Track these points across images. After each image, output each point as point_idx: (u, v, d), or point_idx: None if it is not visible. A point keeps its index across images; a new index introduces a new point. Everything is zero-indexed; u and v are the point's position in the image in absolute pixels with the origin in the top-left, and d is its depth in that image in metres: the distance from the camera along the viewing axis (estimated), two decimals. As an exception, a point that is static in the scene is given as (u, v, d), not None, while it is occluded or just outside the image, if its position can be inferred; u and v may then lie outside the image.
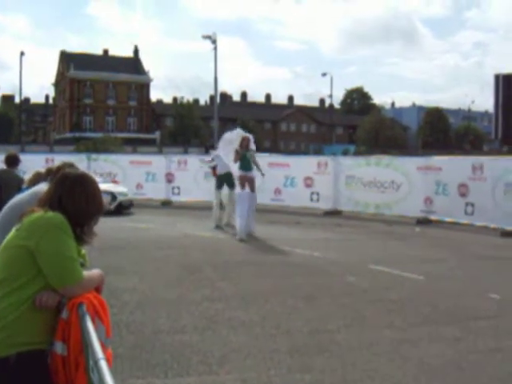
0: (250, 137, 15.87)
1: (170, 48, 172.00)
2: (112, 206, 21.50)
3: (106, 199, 21.25)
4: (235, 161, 15.35)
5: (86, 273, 2.99)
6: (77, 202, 3.06)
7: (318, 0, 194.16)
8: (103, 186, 22.02)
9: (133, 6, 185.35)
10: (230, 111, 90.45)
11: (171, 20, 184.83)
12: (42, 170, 5.73)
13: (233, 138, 16.03)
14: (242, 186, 15.29)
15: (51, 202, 3.05)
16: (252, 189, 15.43)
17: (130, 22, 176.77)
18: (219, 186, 17.72)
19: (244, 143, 15.42)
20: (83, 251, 3.24)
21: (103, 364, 2.18)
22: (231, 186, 17.04)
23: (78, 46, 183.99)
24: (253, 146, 15.89)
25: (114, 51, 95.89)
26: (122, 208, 22.22)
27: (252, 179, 15.50)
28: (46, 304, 2.86)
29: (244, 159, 15.28)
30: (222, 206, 17.94)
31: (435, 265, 11.79)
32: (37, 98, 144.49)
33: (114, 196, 21.88)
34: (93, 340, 2.47)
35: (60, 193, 3.08)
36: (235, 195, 16.44)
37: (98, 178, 20.42)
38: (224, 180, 17.34)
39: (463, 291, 9.36)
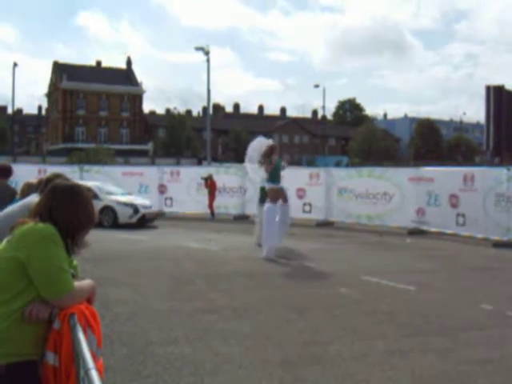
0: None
1: (159, 59, 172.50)
2: (134, 219, 21.30)
3: (127, 212, 20.93)
4: (268, 171, 14.08)
5: (77, 283, 2.99)
6: (67, 213, 3.07)
7: (307, 12, 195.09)
8: (125, 199, 21.75)
9: (120, 16, 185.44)
10: (222, 123, 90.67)
11: (159, 30, 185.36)
12: (34, 180, 5.72)
13: (257, 147, 14.70)
14: (272, 200, 13.99)
15: (42, 213, 3.06)
16: (284, 199, 14.27)
17: (118, 32, 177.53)
18: (263, 201, 15.79)
19: (275, 152, 14.32)
20: (75, 262, 3.25)
21: (94, 374, 2.19)
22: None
23: (67, 56, 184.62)
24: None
25: (104, 61, 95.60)
26: (145, 221, 21.78)
27: (282, 190, 14.32)
28: (36, 318, 2.87)
29: (275, 170, 14.12)
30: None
31: (427, 275, 11.82)
32: (27, 108, 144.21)
33: (136, 209, 21.53)
34: (84, 350, 2.48)
35: (50, 204, 3.08)
36: (267, 210, 14.95)
37: (118, 190, 20.07)
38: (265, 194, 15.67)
39: (455, 302, 9.38)
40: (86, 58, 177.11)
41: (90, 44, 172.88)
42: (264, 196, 15.44)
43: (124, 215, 21.33)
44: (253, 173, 15.14)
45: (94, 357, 2.62)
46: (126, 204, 21.57)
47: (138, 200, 22.46)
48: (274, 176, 14.01)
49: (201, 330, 7.24)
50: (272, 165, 13.90)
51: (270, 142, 14.73)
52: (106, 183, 23.84)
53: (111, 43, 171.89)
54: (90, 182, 22.54)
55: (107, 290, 9.04)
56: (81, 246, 3.17)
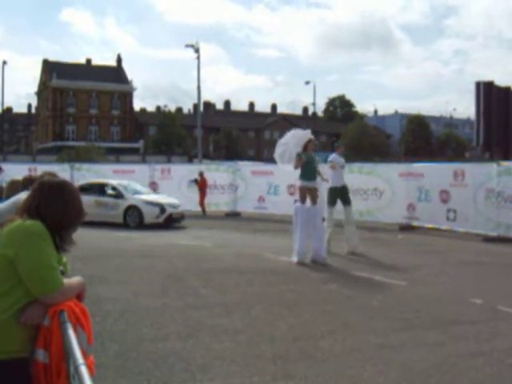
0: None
1: (146, 55, 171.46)
2: (161, 219, 20.67)
3: (153, 211, 20.48)
4: (296, 167, 12.91)
5: (66, 280, 2.98)
6: (55, 209, 3.06)
7: (293, 7, 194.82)
8: (152, 198, 21.38)
9: (104, 13, 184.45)
10: (213, 120, 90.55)
11: (144, 27, 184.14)
12: (19, 178, 5.70)
13: (297, 136, 13.35)
14: (303, 199, 12.99)
15: (29, 210, 3.05)
16: (314, 201, 12.98)
17: (103, 29, 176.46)
18: (332, 202, 14.64)
19: (310, 147, 13.08)
20: (64, 259, 3.24)
21: (83, 369, 2.19)
22: (347, 201, 14.70)
23: (53, 53, 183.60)
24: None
25: (90, 57, 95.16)
26: (172, 221, 21.14)
27: (315, 190, 13.10)
28: (32, 320, 2.86)
29: (308, 166, 12.89)
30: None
31: (418, 270, 11.86)
32: (15, 106, 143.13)
33: (162, 208, 20.85)
34: (74, 347, 2.48)
35: (38, 201, 3.07)
36: (348, 213, 14.57)
37: (144, 188, 19.57)
38: (338, 195, 14.61)
39: (446, 296, 9.42)
40: (71, 54, 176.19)
41: (76, 41, 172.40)
42: (334, 197, 14.52)
43: (150, 215, 20.64)
44: (280, 160, 13.61)
45: (84, 354, 2.62)
46: (152, 203, 20.94)
47: (165, 199, 21.81)
48: (304, 173, 12.91)
49: (192, 327, 7.24)
50: (301, 160, 12.73)
51: (309, 135, 13.29)
52: (131, 182, 23.36)
53: (97, 40, 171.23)
54: (114, 181, 22.34)
55: (98, 287, 9.03)
56: (69, 243, 3.16)
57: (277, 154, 13.53)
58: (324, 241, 13.02)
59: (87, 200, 20.95)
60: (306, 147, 12.95)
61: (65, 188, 3.17)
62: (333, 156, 14.69)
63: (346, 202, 14.65)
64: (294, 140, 13.24)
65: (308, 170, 12.88)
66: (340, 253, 13.84)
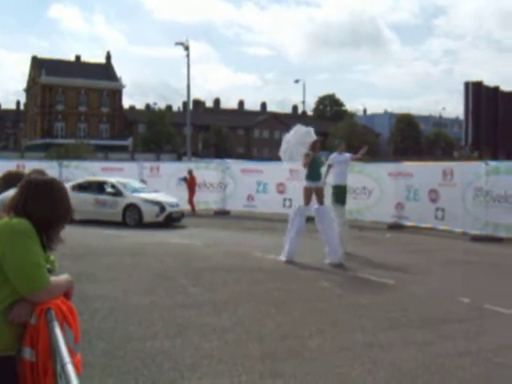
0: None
1: (135, 53, 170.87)
2: (161, 218, 20.38)
3: (153, 210, 20.18)
4: (305, 165, 12.75)
5: (53, 278, 2.96)
6: (41, 207, 3.03)
7: (283, 5, 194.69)
8: (151, 196, 21.04)
9: (93, 9, 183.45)
10: (203, 118, 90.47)
11: (133, 24, 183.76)
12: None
13: (300, 133, 13.12)
14: (308, 200, 12.79)
15: (16, 208, 3.02)
16: (321, 201, 12.85)
17: (92, 25, 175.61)
18: (342, 201, 14.45)
19: (317, 147, 13.01)
20: (52, 257, 3.22)
21: (70, 368, 2.17)
22: (342, 201, 14.48)
23: (41, 49, 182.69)
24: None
25: (79, 54, 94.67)
26: (172, 220, 20.85)
27: (322, 190, 12.95)
28: (19, 319, 2.85)
29: (315, 166, 12.80)
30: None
31: (406, 269, 11.89)
32: (4, 103, 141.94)
33: (162, 207, 20.54)
34: (60, 345, 2.46)
35: (25, 199, 3.05)
36: (340, 213, 14.28)
37: (143, 186, 19.32)
38: (346, 192, 14.61)
39: (434, 295, 9.45)
40: (60, 51, 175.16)
41: (65, 37, 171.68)
42: (336, 195, 14.27)
43: (150, 214, 20.32)
44: (283, 157, 13.26)
45: (71, 352, 2.61)
46: (151, 202, 20.62)
47: (164, 197, 21.52)
48: (311, 173, 12.73)
49: (181, 325, 7.22)
50: (308, 158, 12.57)
51: (311, 132, 13.04)
52: (130, 180, 23.16)
53: (86, 37, 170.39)
54: (113, 179, 22.09)
55: (86, 285, 9.00)
56: (56, 241, 3.13)
57: (281, 151, 13.34)
58: (338, 241, 12.81)
59: (86, 198, 20.84)
60: (313, 147, 12.78)
61: (52, 186, 3.15)
62: (334, 155, 14.57)
63: (342, 201, 14.51)
64: (295, 137, 13.07)
65: (314, 171, 12.76)
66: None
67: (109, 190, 21.33)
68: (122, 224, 20.11)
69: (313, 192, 12.74)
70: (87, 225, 19.74)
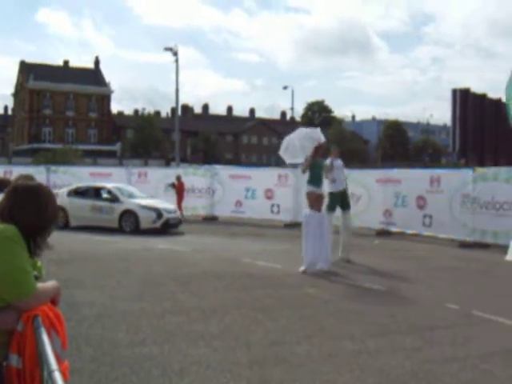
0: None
1: (123, 58, 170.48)
2: (158, 224, 20.10)
3: (150, 216, 19.95)
4: (304, 170, 12.59)
5: (40, 285, 2.94)
6: (27, 213, 3.01)
7: (271, 12, 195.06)
8: (148, 202, 20.83)
9: (82, 13, 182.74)
10: (191, 124, 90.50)
11: (121, 29, 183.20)
12: None
13: (305, 131, 13.00)
14: (314, 205, 12.45)
15: (2, 213, 3.00)
16: (319, 208, 12.60)
17: (80, 30, 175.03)
18: (332, 208, 14.02)
19: (320, 151, 12.74)
20: (39, 263, 3.20)
21: (57, 375, 2.16)
22: (346, 207, 14.23)
23: (29, 54, 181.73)
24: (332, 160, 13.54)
25: (67, 59, 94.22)
26: (169, 226, 20.59)
27: (322, 197, 12.76)
28: (5, 326, 2.82)
29: (317, 172, 12.54)
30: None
31: (394, 276, 11.92)
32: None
33: (159, 213, 20.26)
34: (47, 352, 2.45)
35: (11, 204, 3.02)
36: (347, 219, 14.21)
37: (139, 192, 19.09)
38: (338, 200, 14.04)
39: (422, 302, 9.47)
40: (48, 55, 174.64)
41: (53, 42, 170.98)
42: (334, 203, 13.92)
43: (146, 220, 20.03)
44: (284, 154, 13.15)
45: (59, 359, 2.59)
46: (148, 208, 20.35)
47: (161, 204, 21.29)
48: (312, 178, 12.48)
49: (169, 332, 7.20)
50: (307, 163, 12.39)
51: (318, 132, 12.89)
52: (127, 185, 23.01)
53: (74, 41, 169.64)
54: (110, 184, 21.93)
55: (74, 291, 8.96)
56: (43, 247, 3.11)
57: (282, 151, 13.18)
58: (329, 248, 12.58)
59: (82, 204, 20.70)
60: (316, 152, 12.55)
61: (39, 192, 3.12)
62: (329, 160, 14.06)
63: (346, 206, 14.20)
64: (299, 134, 12.96)
65: (316, 176, 12.48)
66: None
67: (105, 195, 21.13)
68: (119, 230, 19.85)
69: (316, 197, 12.44)
70: (78, 231, 19.68)
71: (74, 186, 22.29)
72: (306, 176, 12.74)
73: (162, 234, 19.57)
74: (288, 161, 13.61)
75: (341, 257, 13.71)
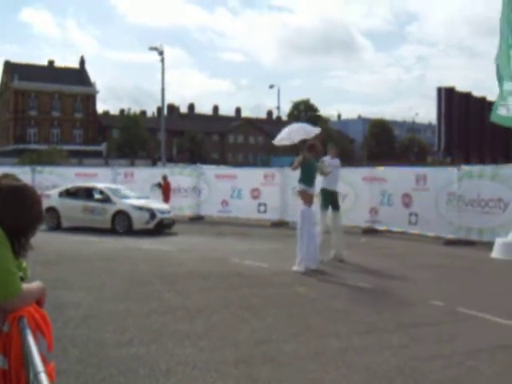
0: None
1: (108, 57, 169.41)
2: (151, 225, 19.85)
3: (143, 217, 19.66)
4: (294, 168, 12.44)
5: (25, 285, 2.93)
6: (12, 213, 2.99)
7: (255, 11, 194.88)
8: (141, 202, 20.57)
9: (65, 13, 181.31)
10: (177, 123, 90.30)
11: (107, 29, 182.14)
12: None
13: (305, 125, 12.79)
14: (306, 200, 12.22)
15: (-14, 214, 2.99)
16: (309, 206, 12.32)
17: (64, 29, 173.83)
18: (325, 205, 13.92)
19: (313, 150, 12.54)
20: (24, 264, 3.18)
21: (43, 377, 2.16)
22: (336, 207, 14.04)
23: (13, 54, 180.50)
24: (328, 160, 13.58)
25: (52, 59, 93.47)
26: (163, 227, 20.34)
27: (312, 197, 12.44)
28: None
29: (309, 171, 12.33)
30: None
31: (380, 274, 11.97)
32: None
33: (153, 213, 19.98)
34: (33, 353, 2.44)
35: None
36: (337, 219, 13.93)
37: (133, 193, 18.78)
38: (329, 198, 13.84)
39: (407, 299, 9.52)
40: (32, 55, 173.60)
41: (37, 42, 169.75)
42: (326, 201, 13.78)
43: (139, 220, 19.77)
44: (280, 139, 12.99)
45: (45, 360, 2.58)
46: (141, 208, 20.05)
47: (155, 204, 21.06)
48: (304, 177, 12.23)
49: (155, 332, 7.19)
50: (299, 161, 12.19)
51: (312, 132, 12.76)
52: (120, 186, 22.77)
53: (58, 41, 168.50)
54: (102, 184, 21.75)
55: (60, 292, 8.92)
56: (28, 247, 3.10)
57: (277, 138, 13.10)
58: (317, 246, 12.30)
59: (74, 205, 20.50)
60: (310, 149, 12.41)
61: (24, 192, 3.11)
62: (326, 158, 14.06)
63: (335, 207, 14.04)
64: (299, 125, 12.96)
65: (309, 175, 12.27)
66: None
67: (97, 196, 20.91)
68: (112, 231, 19.62)
69: (310, 194, 12.25)
70: (68, 232, 19.58)
71: (65, 187, 22.02)
72: (295, 175, 12.69)
73: (154, 234, 19.41)
74: (275, 141, 13.36)
75: (334, 256, 13.63)
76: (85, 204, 20.63)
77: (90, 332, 7.13)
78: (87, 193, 21.31)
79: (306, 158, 12.30)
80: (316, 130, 13.05)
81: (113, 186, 22.13)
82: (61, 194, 21.14)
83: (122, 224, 19.85)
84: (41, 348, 2.69)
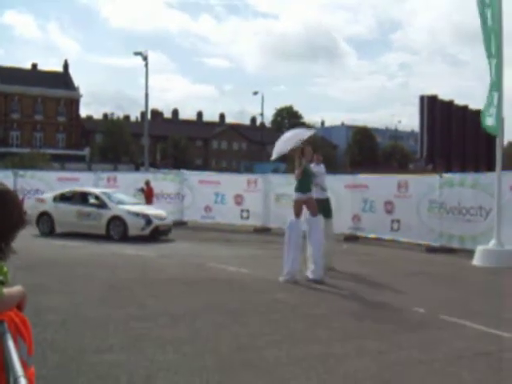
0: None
1: (90, 61, 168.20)
2: (147, 231, 19.53)
3: (139, 223, 19.34)
4: (298, 177, 12.04)
5: (5, 290, 2.92)
6: None
7: (239, 17, 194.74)
8: (137, 208, 20.33)
9: (48, 16, 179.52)
10: (161, 128, 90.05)
11: (89, 33, 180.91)
12: None
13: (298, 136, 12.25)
14: (298, 212, 12.04)
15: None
16: (313, 213, 12.14)
17: (47, 33, 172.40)
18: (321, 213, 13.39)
19: (308, 155, 12.31)
20: (5, 268, 3.16)
21: (23, 382, 2.15)
22: (327, 215, 13.70)
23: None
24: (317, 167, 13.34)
25: (36, 62, 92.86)
26: (159, 233, 20.00)
27: (312, 200, 12.24)
28: None
29: (305, 177, 12.12)
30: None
31: (362, 280, 12.00)
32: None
33: (148, 220, 19.66)
34: (13, 358, 2.43)
35: None
36: (328, 228, 13.54)
37: (129, 198, 18.34)
38: (321, 207, 13.07)
39: (389, 305, 9.55)
40: (14, 58, 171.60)
41: (19, 45, 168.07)
42: (320, 207, 12.93)
43: (135, 226, 19.43)
44: (277, 152, 12.31)
45: (25, 365, 2.57)
46: (137, 214, 19.73)
47: (151, 210, 20.82)
48: (300, 185, 12.07)
49: (136, 337, 7.16)
50: (301, 170, 11.95)
51: (307, 134, 12.42)
52: (115, 191, 22.47)
53: (41, 44, 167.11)
54: (97, 190, 21.50)
55: (39, 297, 8.86)
56: (8, 252, 3.08)
57: (273, 155, 12.56)
58: (321, 256, 12.05)
59: (69, 210, 20.15)
60: (302, 153, 12.09)
61: (5, 196, 3.09)
62: (312, 165, 13.48)
63: (328, 214, 13.79)
64: (289, 134, 12.57)
65: (304, 182, 12.07)
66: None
67: (93, 201, 20.61)
68: (106, 237, 19.32)
69: (302, 204, 12.05)
70: (54, 237, 19.44)
71: (60, 191, 21.69)
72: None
73: (150, 241, 19.14)
74: (273, 158, 12.78)
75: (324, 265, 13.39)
76: (79, 209, 20.27)
77: (69, 337, 7.08)
78: (82, 198, 20.95)
79: (305, 165, 12.10)
80: (309, 132, 12.83)
81: (109, 191, 21.86)
82: (55, 199, 20.84)
83: (117, 230, 19.52)
84: (21, 353, 2.68)
